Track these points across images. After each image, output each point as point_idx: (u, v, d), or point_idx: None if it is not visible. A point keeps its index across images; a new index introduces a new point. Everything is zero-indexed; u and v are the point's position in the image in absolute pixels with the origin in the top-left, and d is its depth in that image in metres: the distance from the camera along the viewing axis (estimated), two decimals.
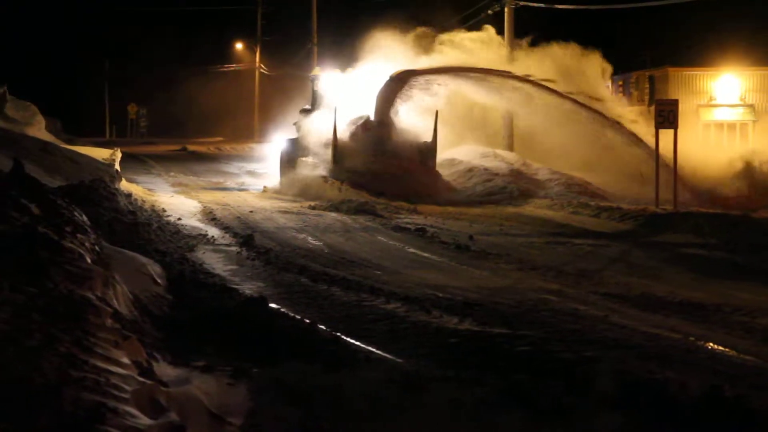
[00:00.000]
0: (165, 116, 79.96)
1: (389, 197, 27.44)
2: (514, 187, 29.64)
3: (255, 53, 78.68)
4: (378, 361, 9.47)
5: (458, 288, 13.70)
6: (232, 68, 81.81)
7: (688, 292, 13.71)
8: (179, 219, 21.73)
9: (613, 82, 38.90)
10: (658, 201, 25.50)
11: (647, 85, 42.17)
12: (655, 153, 26.51)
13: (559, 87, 32.23)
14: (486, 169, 31.89)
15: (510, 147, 36.58)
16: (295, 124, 33.84)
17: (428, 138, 30.33)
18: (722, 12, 46.30)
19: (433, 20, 39.54)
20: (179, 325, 10.18)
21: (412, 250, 18.18)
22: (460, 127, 34.53)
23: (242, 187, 33.49)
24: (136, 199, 24.72)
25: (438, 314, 11.62)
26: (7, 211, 8.98)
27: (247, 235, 18.68)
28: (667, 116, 25.91)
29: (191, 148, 59.05)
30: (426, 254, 17.58)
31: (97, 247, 10.01)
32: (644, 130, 30.56)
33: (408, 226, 21.75)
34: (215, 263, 15.65)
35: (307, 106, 33.89)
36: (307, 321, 10.96)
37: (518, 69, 33.86)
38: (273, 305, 11.74)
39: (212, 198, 28.35)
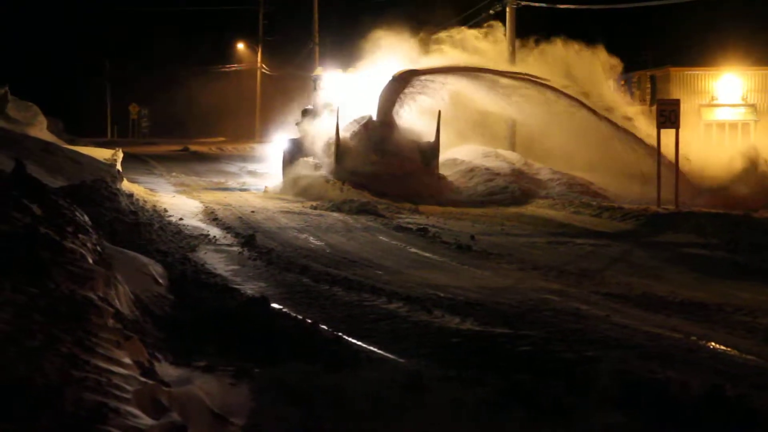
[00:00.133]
0: (166, 116, 80.00)
1: (391, 198, 27.43)
2: (516, 186, 29.64)
3: (256, 53, 78.71)
4: (379, 361, 9.47)
5: (460, 288, 13.70)
6: (233, 68, 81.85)
7: (689, 292, 13.71)
8: (181, 219, 21.74)
9: (617, 80, 38.85)
10: (659, 201, 25.50)
11: (649, 85, 42.14)
12: (657, 153, 26.50)
13: (561, 86, 32.21)
14: (487, 169, 31.89)
15: (512, 147, 36.58)
16: (297, 124, 33.86)
17: (431, 138, 30.32)
18: (723, 11, 46.31)
19: (434, 20, 39.56)
20: (181, 325, 10.19)
21: (413, 250, 18.18)
22: (461, 127, 34.51)
23: (244, 187, 33.49)
24: (137, 200, 24.74)
25: (440, 314, 11.63)
26: (9, 212, 8.99)
27: (248, 235, 18.69)
28: (668, 116, 25.90)
29: (193, 148, 59.06)
30: (427, 254, 17.58)
31: (98, 248, 10.01)
32: (645, 130, 30.52)
33: (409, 226, 21.75)
34: (217, 263, 15.66)
35: (309, 106, 33.91)
36: (309, 321, 10.96)
37: (520, 68, 33.85)
38: (275, 305, 11.75)
39: (214, 198, 28.36)
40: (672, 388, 8.35)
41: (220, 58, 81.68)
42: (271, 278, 14.35)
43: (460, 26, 38.92)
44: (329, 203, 26.08)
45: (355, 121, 30.71)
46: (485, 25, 37.67)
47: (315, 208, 25.59)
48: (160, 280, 11.98)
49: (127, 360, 6.84)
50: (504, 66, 34.12)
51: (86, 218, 11.34)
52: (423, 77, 31.95)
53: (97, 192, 20.88)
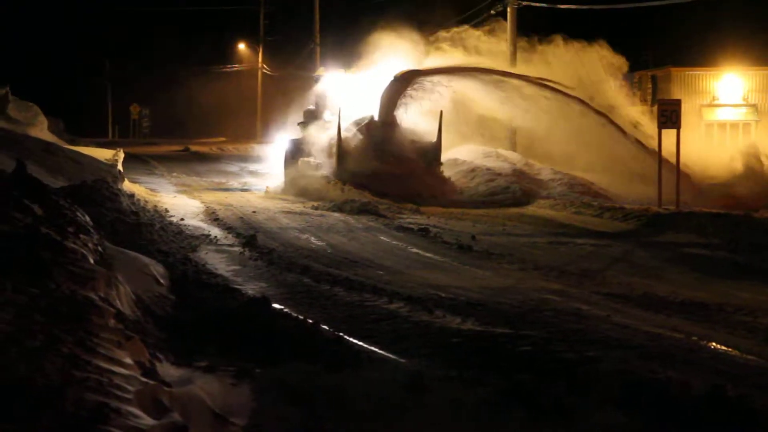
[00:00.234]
0: (167, 117, 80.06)
1: (392, 198, 27.43)
2: (517, 187, 29.64)
3: (257, 53, 78.73)
4: (381, 361, 9.47)
5: (461, 288, 13.70)
6: (234, 68, 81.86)
7: (690, 292, 13.71)
8: (182, 219, 21.75)
9: (624, 79, 38.85)
10: (660, 201, 25.50)
11: (650, 85, 42.16)
12: (658, 153, 26.49)
13: (562, 86, 32.22)
14: (489, 169, 31.90)
15: (513, 147, 36.59)
16: (299, 124, 33.86)
17: (432, 138, 30.32)
18: (724, 11, 46.28)
19: (436, 20, 39.54)
20: (182, 325, 10.19)
21: (414, 250, 18.18)
22: (462, 127, 34.54)
23: (245, 188, 33.50)
24: (138, 200, 24.75)
25: (441, 314, 11.62)
26: (10, 212, 9.00)
27: (249, 236, 18.69)
28: (669, 116, 25.91)
29: (194, 148, 59.08)
30: (429, 254, 17.58)
31: (99, 248, 10.02)
32: (647, 131, 30.53)
33: (411, 226, 21.76)
34: (218, 264, 15.66)
35: (311, 107, 33.91)
36: (310, 321, 10.96)
37: (521, 68, 33.87)
38: (276, 305, 11.74)
39: (215, 198, 28.37)
40: (673, 388, 8.35)
41: (221, 58, 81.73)
42: (272, 278, 14.35)
43: (461, 26, 38.95)
44: (330, 203, 26.08)
45: (356, 121, 30.72)
46: (486, 25, 37.69)
47: (316, 208, 25.60)
48: (162, 281, 11.98)
49: (129, 360, 6.84)
50: (505, 66, 34.13)
51: (87, 218, 11.35)
52: (425, 77, 31.96)
53: (98, 192, 20.89)
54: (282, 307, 11.88)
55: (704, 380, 8.59)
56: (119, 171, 31.70)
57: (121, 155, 40.43)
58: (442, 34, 36.25)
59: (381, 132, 30.30)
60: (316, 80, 34.52)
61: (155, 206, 24.47)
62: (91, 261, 8.85)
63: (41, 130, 47.42)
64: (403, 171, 29.30)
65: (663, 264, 16.91)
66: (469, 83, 32.76)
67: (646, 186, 27.87)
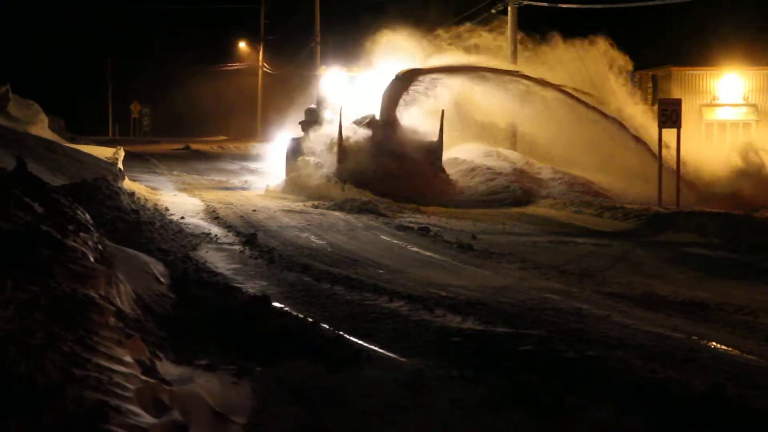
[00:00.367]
0: (168, 115, 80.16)
1: (393, 197, 27.41)
2: (517, 186, 29.64)
3: (258, 52, 78.75)
4: (381, 360, 9.47)
5: (461, 287, 13.70)
6: (235, 67, 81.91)
7: (690, 292, 13.71)
8: (182, 218, 21.74)
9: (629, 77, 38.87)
10: (660, 200, 25.51)
11: (650, 85, 42.15)
12: (658, 152, 26.51)
13: (563, 84, 32.21)
14: (489, 169, 31.89)
15: (513, 146, 36.57)
16: (300, 123, 33.84)
17: (434, 137, 30.29)
18: (724, 11, 46.27)
19: (437, 19, 39.54)
20: (182, 323, 10.18)
21: (415, 249, 18.18)
22: (463, 126, 34.51)
23: (245, 186, 33.51)
24: (138, 198, 24.74)
25: (441, 313, 11.62)
26: (10, 210, 8.99)
27: (250, 234, 18.69)
28: (670, 115, 25.92)
29: (194, 146, 59.09)
30: (429, 253, 17.58)
31: (100, 246, 10.02)
32: (648, 131, 30.52)
33: (411, 225, 21.76)
34: (218, 262, 15.65)
35: (312, 105, 33.90)
36: (310, 320, 10.95)
37: (522, 67, 33.85)
38: (276, 304, 11.74)
39: (215, 197, 28.37)
40: (673, 387, 8.35)
41: (222, 56, 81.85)
42: (272, 277, 14.35)
43: (462, 24, 38.93)
44: (331, 202, 26.07)
45: (358, 120, 30.69)
46: (487, 24, 37.68)
47: (316, 207, 25.59)
48: (162, 279, 11.98)
49: (129, 358, 6.84)
50: (506, 65, 34.12)
51: (87, 216, 11.35)
52: (426, 76, 31.95)
53: (98, 190, 20.88)
54: (282, 305, 11.88)
55: (704, 380, 8.59)
56: (119, 169, 31.70)
57: (122, 153, 40.45)
58: (443, 33, 36.23)
59: (382, 131, 30.28)
60: (318, 79, 34.48)
61: (155, 204, 24.47)
62: (92, 259, 8.85)
63: (42, 128, 47.46)
64: (404, 170, 29.28)
65: (663, 263, 16.92)
66: (470, 82, 32.75)
67: (646, 185, 27.88)
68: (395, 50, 33.06)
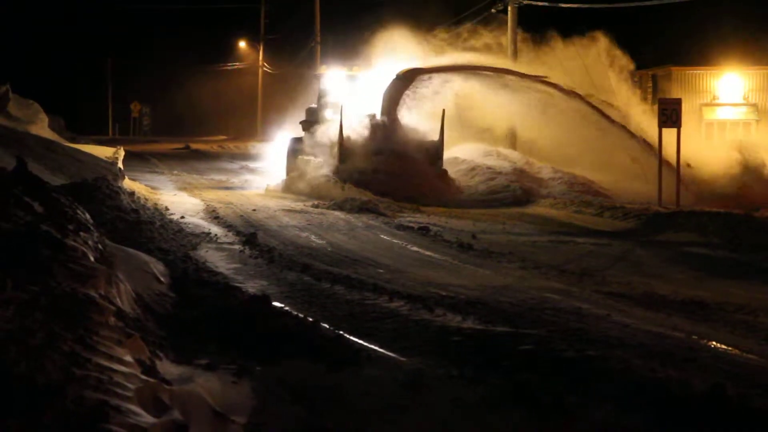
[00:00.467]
0: (168, 114, 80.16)
1: (394, 197, 27.39)
2: (517, 185, 29.64)
3: (258, 52, 78.74)
4: (381, 360, 9.47)
5: (461, 286, 13.70)
6: (235, 66, 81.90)
7: (690, 291, 13.71)
8: (182, 217, 21.74)
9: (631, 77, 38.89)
10: (660, 200, 25.51)
11: (650, 84, 42.16)
12: (658, 152, 26.51)
13: (564, 83, 32.22)
14: (489, 168, 31.90)
15: (513, 145, 36.58)
16: (301, 122, 33.85)
17: (435, 137, 30.27)
18: (724, 10, 46.26)
19: (437, 18, 39.54)
20: (182, 323, 10.18)
21: (415, 248, 18.19)
22: (463, 125, 34.51)
23: (245, 186, 33.51)
24: (138, 198, 24.73)
25: (441, 313, 11.62)
26: (11, 209, 9.00)
27: (250, 234, 18.68)
28: (670, 115, 25.93)
29: (194, 146, 59.07)
30: (429, 253, 17.58)
31: (100, 246, 10.02)
32: (649, 131, 30.53)
33: (411, 224, 21.76)
34: (218, 261, 15.65)
35: (313, 105, 33.89)
36: (311, 319, 10.95)
37: (522, 66, 33.86)
38: (276, 304, 11.74)
39: (215, 196, 28.37)
40: (673, 387, 8.35)
41: (222, 56, 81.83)
42: (272, 277, 14.34)
43: (463, 24, 38.95)
44: (331, 202, 26.06)
45: (359, 119, 30.66)
46: (488, 23, 37.68)
47: (316, 206, 25.59)
48: (162, 279, 11.98)
49: (129, 358, 6.84)
50: (507, 64, 34.12)
51: (87, 216, 11.34)
52: (427, 76, 31.93)
53: (98, 190, 20.88)
54: (282, 305, 11.88)
55: (704, 379, 8.60)
56: (119, 169, 31.69)
57: (122, 153, 40.45)
58: (444, 32, 36.23)
59: (383, 130, 30.26)
60: (318, 78, 34.47)
61: (155, 204, 24.46)
62: (92, 259, 8.85)
63: (42, 127, 47.45)
64: (404, 170, 29.26)
65: (663, 263, 16.93)
66: (470, 81, 32.76)
67: (646, 184, 27.88)
68: (395, 50, 33.06)
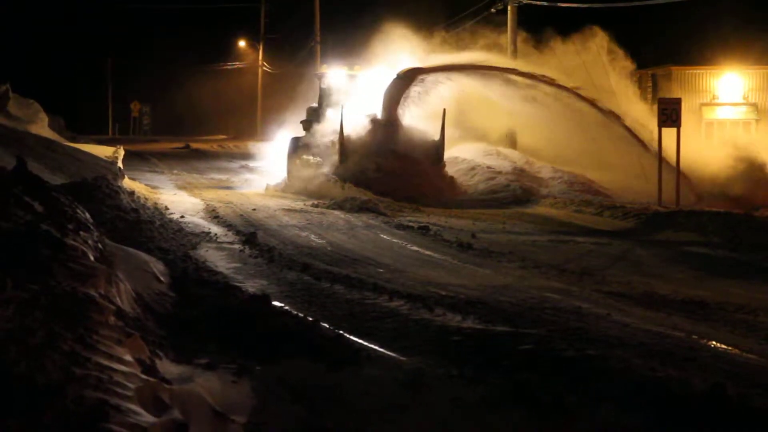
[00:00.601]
0: (168, 114, 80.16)
1: (394, 197, 27.38)
2: (517, 185, 29.64)
3: (258, 51, 78.73)
4: (381, 359, 9.47)
5: (461, 286, 13.69)
6: (235, 66, 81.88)
7: (690, 291, 13.72)
8: (182, 217, 21.74)
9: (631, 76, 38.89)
10: (660, 199, 25.51)
11: (650, 84, 42.16)
12: (658, 151, 26.51)
13: (564, 82, 32.20)
14: (489, 168, 31.90)
15: (513, 145, 36.57)
16: (301, 122, 33.85)
17: (435, 136, 30.25)
18: (724, 10, 46.24)
19: (438, 18, 39.54)
20: (182, 322, 10.18)
21: (414, 248, 18.18)
22: (463, 125, 34.51)
23: (245, 185, 33.51)
24: (138, 197, 24.72)
25: (441, 312, 11.62)
26: (10, 209, 9.00)
27: (250, 233, 18.68)
28: (670, 115, 25.93)
29: (194, 145, 59.07)
30: (429, 252, 17.58)
31: (99, 245, 10.02)
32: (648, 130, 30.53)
33: (411, 224, 21.76)
34: (218, 261, 15.65)
35: (314, 104, 33.88)
36: (310, 319, 10.95)
37: (522, 66, 33.84)
38: (276, 303, 11.74)
39: (215, 196, 28.37)
40: (673, 386, 8.35)
41: (222, 55, 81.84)
42: (272, 276, 14.34)
43: (463, 23, 38.95)
44: (331, 201, 26.06)
45: (359, 119, 30.65)
46: (487, 23, 37.69)
47: (316, 206, 25.59)
48: (162, 278, 11.98)
49: (129, 357, 6.84)
50: (507, 63, 34.11)
51: (87, 215, 11.35)
52: (428, 75, 31.92)
53: (98, 189, 20.87)
54: (282, 304, 11.88)
55: (704, 379, 8.60)
56: (119, 168, 31.69)
57: (122, 152, 40.45)
58: (444, 32, 36.23)
59: (383, 130, 30.24)
60: (319, 78, 34.46)
61: (155, 203, 24.46)
62: (91, 258, 8.85)
63: (42, 127, 47.46)
64: (405, 169, 29.24)
65: (663, 262, 16.93)
66: (471, 81, 32.75)
67: (646, 184, 27.88)
68: (396, 49, 33.04)
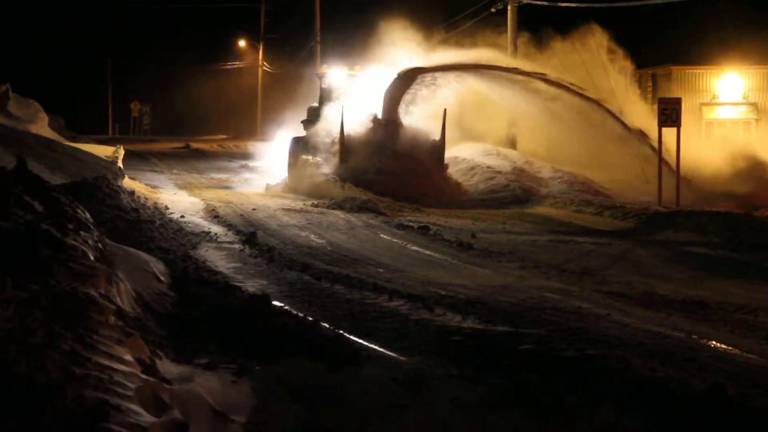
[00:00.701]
0: (168, 114, 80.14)
1: (394, 197, 27.36)
2: (517, 185, 29.64)
3: (258, 51, 78.73)
4: (381, 359, 9.47)
5: (461, 286, 13.69)
6: (235, 66, 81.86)
7: (690, 291, 13.72)
8: (182, 216, 21.74)
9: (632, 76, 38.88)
10: (660, 199, 25.50)
11: (650, 84, 42.16)
12: (658, 151, 26.51)
13: (564, 81, 32.19)
14: (489, 167, 31.90)
15: (513, 145, 36.58)
16: (302, 122, 33.84)
17: (436, 136, 30.23)
18: (724, 10, 46.24)
19: (437, 18, 39.54)
20: (182, 322, 10.18)
21: (414, 248, 18.18)
22: (463, 125, 34.51)
23: (245, 185, 33.50)
24: (138, 197, 24.72)
25: (441, 312, 11.62)
26: (11, 209, 9.00)
27: (250, 233, 18.68)
28: (670, 114, 25.93)
29: (194, 145, 59.05)
30: (429, 252, 17.58)
31: (99, 245, 10.02)
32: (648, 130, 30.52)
33: (411, 224, 21.76)
34: (218, 261, 15.65)
35: (315, 104, 33.88)
36: (310, 319, 10.96)
37: (522, 66, 33.84)
38: (276, 303, 11.74)
39: (215, 195, 28.36)
40: (673, 386, 8.35)
41: (222, 55, 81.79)
42: (272, 276, 14.34)
43: (463, 23, 38.95)
44: (331, 201, 26.06)
45: (360, 119, 30.63)
46: (488, 22, 37.70)
47: (316, 206, 25.58)
48: (162, 278, 11.98)
49: (129, 357, 6.84)
50: (508, 63, 34.11)
51: (87, 215, 11.35)
52: (428, 75, 31.91)
53: (98, 189, 20.86)
54: (282, 304, 11.88)
55: (704, 379, 8.60)
56: (119, 168, 31.67)
57: (122, 152, 40.43)
58: (444, 31, 36.22)
59: (384, 130, 30.22)
60: (320, 78, 34.45)
61: (155, 203, 24.45)
62: (92, 258, 8.85)
63: (42, 127, 47.42)
64: (405, 169, 29.21)
65: (663, 262, 16.93)
66: (472, 80, 32.75)
67: (646, 184, 27.88)
68: (396, 49, 33.02)
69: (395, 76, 31.40)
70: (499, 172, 31.21)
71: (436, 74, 32.12)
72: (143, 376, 6.62)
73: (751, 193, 27.77)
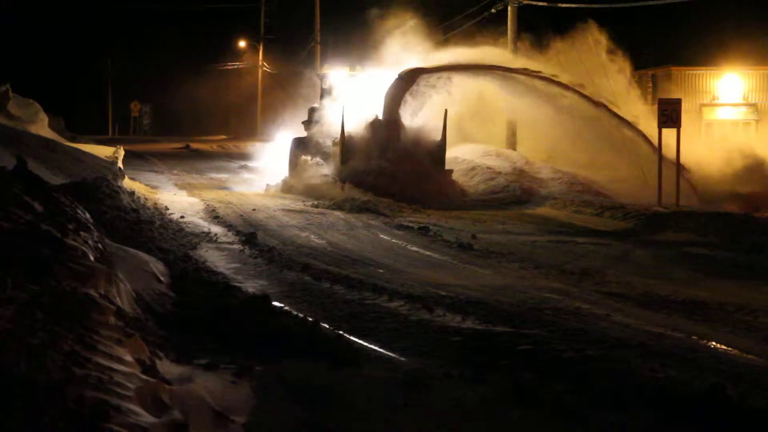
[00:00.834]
0: (168, 114, 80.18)
1: (394, 197, 27.35)
2: (517, 185, 29.65)
3: (258, 51, 78.73)
4: (381, 360, 9.48)
5: (461, 286, 13.70)
6: (235, 66, 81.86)
7: (690, 291, 13.71)
8: (182, 217, 21.74)
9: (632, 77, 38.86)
10: (660, 200, 25.50)
11: (650, 84, 42.14)
12: (658, 152, 26.50)
13: (564, 80, 32.17)
14: (489, 168, 31.91)
15: (513, 145, 36.58)
16: (303, 122, 33.83)
17: (436, 137, 30.22)
18: (724, 10, 46.27)
19: (437, 18, 39.52)
20: (182, 322, 10.19)
21: (414, 248, 18.18)
22: (463, 125, 34.50)
23: (245, 185, 33.49)
24: (138, 197, 24.72)
25: (441, 313, 11.63)
26: (11, 209, 8.99)
27: (249, 233, 18.68)
28: (670, 115, 25.93)
29: (194, 146, 59.06)
30: (428, 253, 17.58)
31: (100, 245, 10.02)
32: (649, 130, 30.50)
33: (411, 224, 21.76)
34: (218, 261, 15.66)
35: (315, 105, 33.87)
36: (310, 319, 10.96)
37: (522, 66, 33.82)
38: (276, 303, 11.74)
39: (215, 196, 28.36)
40: (672, 387, 8.35)
41: (222, 56, 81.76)
42: (272, 276, 14.35)
43: (463, 24, 38.95)
44: (331, 202, 26.07)
45: (360, 120, 30.62)
46: (488, 23, 37.70)
47: (316, 206, 25.59)
48: (162, 278, 11.98)
49: (129, 358, 6.84)
50: (509, 63, 34.10)
51: (87, 215, 11.35)
52: (429, 76, 31.89)
53: (98, 189, 20.86)
54: (282, 305, 11.88)
55: (704, 379, 8.60)
56: (119, 168, 31.68)
57: (122, 152, 40.44)
58: (444, 32, 36.20)
59: (385, 131, 30.18)
60: (321, 78, 34.45)
61: (155, 204, 24.46)
62: (92, 258, 8.85)
63: (42, 127, 47.44)
64: (406, 170, 29.17)
65: (663, 263, 16.93)
66: (472, 81, 32.74)
67: (646, 184, 27.87)
68: (397, 49, 33.02)
69: (396, 76, 31.39)
70: (500, 173, 31.22)
71: (437, 75, 32.10)
72: (143, 376, 6.62)
73: (754, 193, 27.77)
